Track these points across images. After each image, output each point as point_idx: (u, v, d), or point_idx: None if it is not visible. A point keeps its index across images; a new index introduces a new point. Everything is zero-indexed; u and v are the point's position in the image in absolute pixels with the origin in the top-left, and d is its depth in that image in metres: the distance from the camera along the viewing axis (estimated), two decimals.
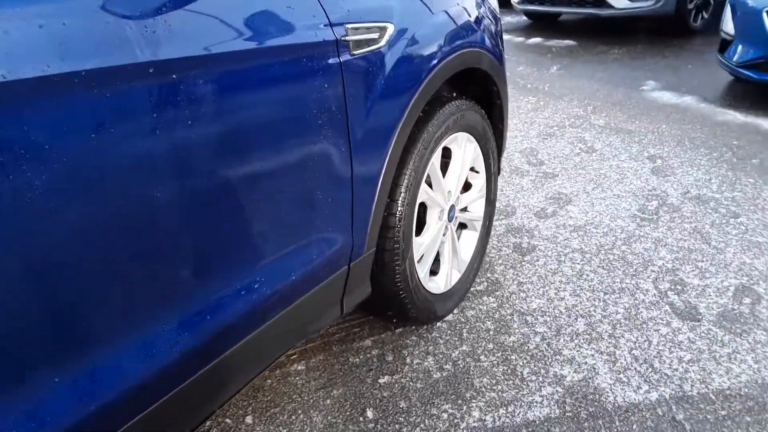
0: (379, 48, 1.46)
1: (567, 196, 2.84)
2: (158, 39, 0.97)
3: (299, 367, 1.78)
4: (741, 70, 4.04)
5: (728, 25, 4.21)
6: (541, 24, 6.95)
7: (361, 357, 1.82)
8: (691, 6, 6.02)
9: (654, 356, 1.82)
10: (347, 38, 1.35)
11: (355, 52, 1.38)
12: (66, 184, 0.87)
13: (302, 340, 1.47)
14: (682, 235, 2.49)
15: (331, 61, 1.31)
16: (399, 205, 1.65)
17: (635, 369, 1.77)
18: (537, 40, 6.18)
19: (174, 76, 0.99)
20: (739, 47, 4.06)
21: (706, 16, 6.42)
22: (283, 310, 1.33)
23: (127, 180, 0.95)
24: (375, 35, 1.45)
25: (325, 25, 1.30)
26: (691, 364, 1.79)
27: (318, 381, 1.73)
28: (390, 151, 1.55)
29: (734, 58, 4.08)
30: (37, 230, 0.85)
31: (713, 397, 1.67)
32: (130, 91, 0.93)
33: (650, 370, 1.77)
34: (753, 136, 3.56)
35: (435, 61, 1.68)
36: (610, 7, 5.90)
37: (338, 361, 1.81)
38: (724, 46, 4.27)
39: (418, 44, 1.61)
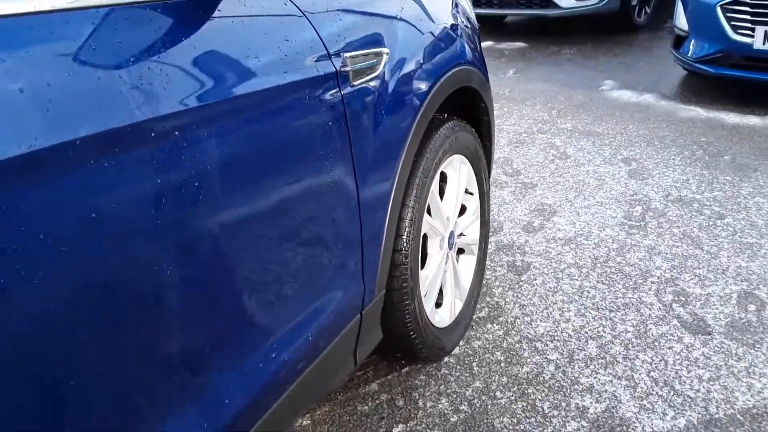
0: (378, 75, 1.36)
1: (551, 207, 2.77)
2: (155, 92, 0.83)
3: (305, 422, 1.63)
4: (698, 65, 4.08)
5: (681, 21, 4.24)
6: (489, 26, 6.92)
7: (369, 404, 1.69)
8: (634, 2, 6.10)
9: (673, 377, 1.75)
10: (347, 69, 1.24)
11: (354, 83, 1.27)
12: (66, 283, 0.72)
13: (315, 403, 1.33)
14: (673, 241, 2.45)
15: (332, 95, 1.19)
16: (405, 240, 1.54)
17: (657, 393, 1.70)
18: (488, 43, 6.15)
19: (176, 133, 0.86)
20: (694, 43, 4.10)
21: (648, 11, 6.53)
22: (300, 376, 1.20)
23: (130, 267, 0.80)
24: (373, 62, 1.34)
25: (323, 57, 1.18)
26: (711, 382, 1.73)
27: None
28: (396, 183, 1.46)
29: (689, 54, 4.12)
30: (33, 334, 0.70)
31: (741, 418, 1.61)
32: (129, 156, 0.78)
33: (672, 393, 1.70)
34: (719, 132, 3.58)
35: (431, 83, 1.60)
36: (557, 7, 5.91)
37: (346, 411, 1.66)
38: (679, 41, 4.30)
39: (414, 67, 1.53)
